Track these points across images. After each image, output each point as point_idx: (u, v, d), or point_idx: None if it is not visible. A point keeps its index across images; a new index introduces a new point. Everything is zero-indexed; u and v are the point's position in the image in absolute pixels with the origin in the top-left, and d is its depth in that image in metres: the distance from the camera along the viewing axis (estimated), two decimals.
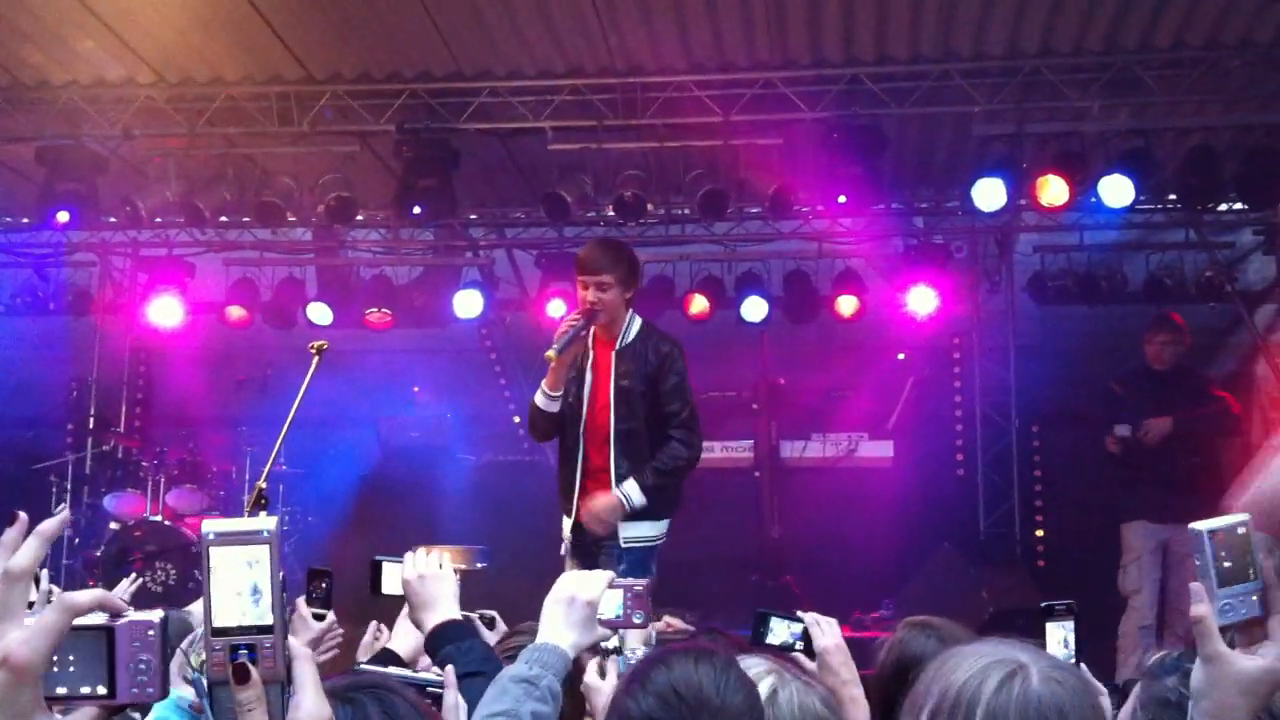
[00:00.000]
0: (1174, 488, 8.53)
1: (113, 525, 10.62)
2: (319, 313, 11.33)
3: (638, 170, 10.04)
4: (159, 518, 10.54)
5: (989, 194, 9.32)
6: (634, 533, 6.13)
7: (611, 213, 10.39)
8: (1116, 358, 9.94)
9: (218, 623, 1.55)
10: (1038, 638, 3.19)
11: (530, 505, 11.31)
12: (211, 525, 1.58)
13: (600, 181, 10.17)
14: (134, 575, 6.09)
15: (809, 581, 11.07)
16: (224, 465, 11.64)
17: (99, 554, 10.43)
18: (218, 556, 1.56)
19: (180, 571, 10.13)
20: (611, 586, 2.89)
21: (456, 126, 9.52)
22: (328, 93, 9.45)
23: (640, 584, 3.03)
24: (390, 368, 12.14)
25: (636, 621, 3.00)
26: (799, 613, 3.38)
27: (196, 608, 4.01)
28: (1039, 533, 11.54)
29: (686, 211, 10.73)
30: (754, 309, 11.10)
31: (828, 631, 3.41)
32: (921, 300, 10.73)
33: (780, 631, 3.40)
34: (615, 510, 6.00)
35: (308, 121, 9.53)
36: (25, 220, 11.24)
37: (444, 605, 3.14)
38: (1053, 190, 9.16)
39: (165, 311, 11.41)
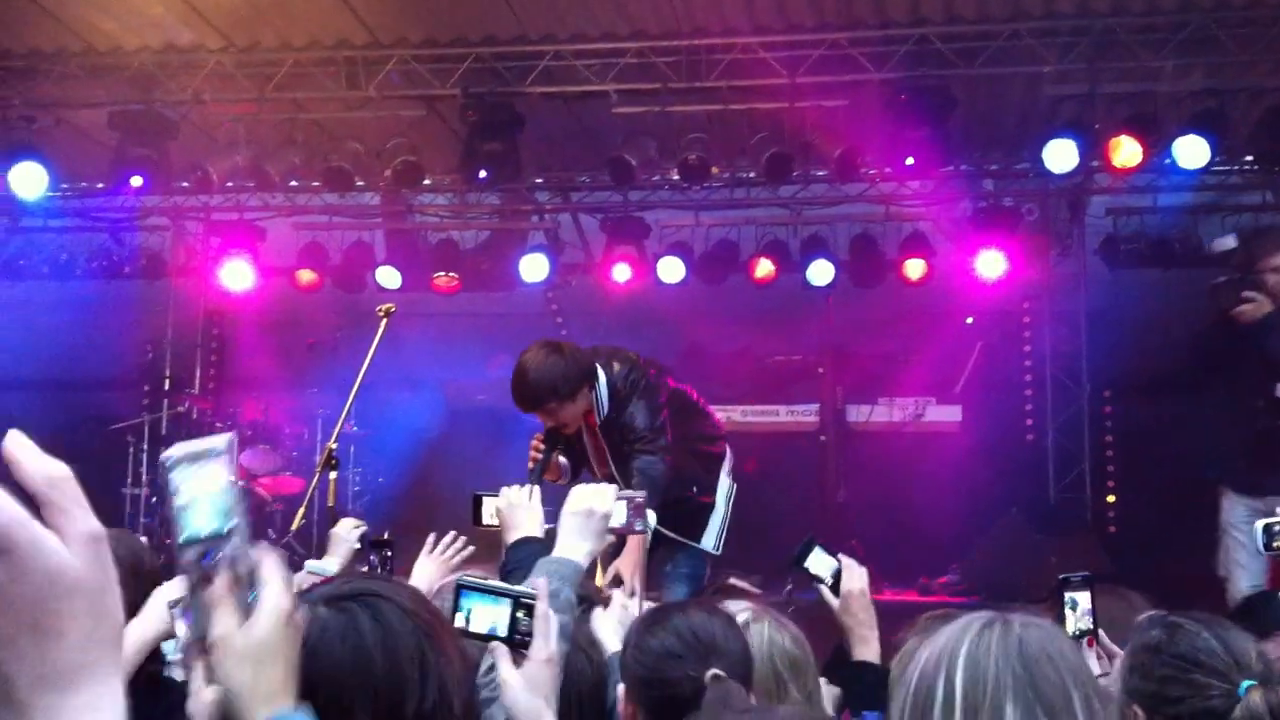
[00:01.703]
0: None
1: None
2: (387, 276, 11.44)
3: (702, 133, 9.98)
4: (242, 482, 10.72)
5: (1060, 155, 9.17)
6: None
7: (676, 176, 10.36)
8: (1190, 323, 9.75)
9: (186, 534, 1.64)
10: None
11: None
12: (171, 450, 1.67)
13: (664, 145, 10.14)
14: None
15: (874, 546, 10.97)
16: (295, 427, 11.83)
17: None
18: (179, 474, 1.65)
19: (254, 530, 10.24)
20: (617, 498, 3.21)
21: (521, 90, 9.54)
22: (394, 57, 9.51)
23: (640, 495, 3.41)
24: (457, 331, 12.22)
25: (638, 528, 3.40)
26: (839, 555, 3.59)
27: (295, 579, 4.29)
28: (1110, 499, 11.40)
29: (751, 175, 10.68)
30: (820, 273, 11.02)
31: (856, 577, 3.63)
32: (991, 264, 10.60)
33: (818, 562, 3.59)
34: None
35: (374, 86, 9.60)
36: (99, 185, 11.42)
37: (525, 528, 3.40)
38: (1126, 152, 9.00)
39: (237, 275, 11.56)
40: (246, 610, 1.67)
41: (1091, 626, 3.03)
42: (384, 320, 6.58)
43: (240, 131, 10.27)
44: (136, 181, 10.09)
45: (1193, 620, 2.61)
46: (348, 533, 4.65)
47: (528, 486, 3.53)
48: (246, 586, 1.68)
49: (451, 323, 12.19)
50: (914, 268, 11.02)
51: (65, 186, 11.38)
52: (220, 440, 1.69)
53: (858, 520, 11.41)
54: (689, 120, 9.93)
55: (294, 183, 11.07)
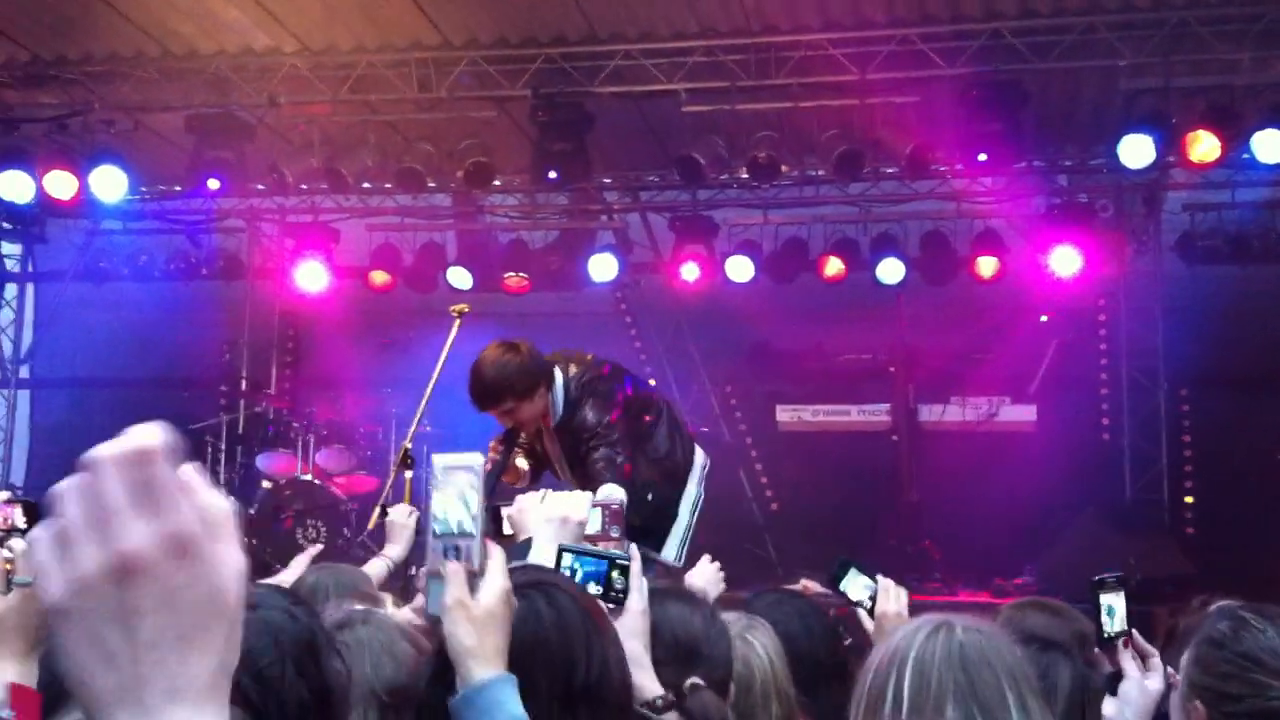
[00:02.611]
0: None
1: (265, 484, 10.98)
2: (459, 277, 11.54)
3: (771, 131, 9.96)
4: (309, 476, 10.85)
5: (1136, 150, 9.04)
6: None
7: (745, 174, 10.34)
8: (1269, 320, 9.58)
9: (438, 529, 2.10)
10: (1165, 604, 3.22)
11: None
12: (440, 459, 2.14)
13: (733, 143, 10.13)
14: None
15: (948, 547, 10.95)
16: (370, 426, 11.95)
17: (252, 512, 10.79)
18: (443, 480, 2.10)
19: (330, 528, 10.40)
20: (593, 505, 3.25)
21: (590, 90, 9.58)
22: (465, 59, 9.59)
23: (615, 502, 3.45)
24: (527, 331, 12.25)
25: (614, 535, 3.38)
26: (878, 576, 3.44)
27: (369, 568, 4.47)
28: (1188, 499, 11.21)
29: (821, 172, 10.65)
30: (890, 271, 10.96)
31: (893, 599, 3.46)
32: (1065, 261, 10.48)
33: (855, 584, 3.47)
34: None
35: (445, 87, 9.69)
36: (177, 188, 11.64)
37: (530, 529, 3.41)
38: (1203, 146, 8.85)
39: (312, 276, 11.72)
40: (472, 588, 2.03)
41: (1126, 628, 3.00)
42: (457, 320, 6.64)
43: (315, 134, 10.43)
44: (214, 184, 10.29)
45: (1261, 616, 2.57)
46: (405, 519, 4.76)
47: (541, 490, 3.52)
48: (476, 575, 2.05)
49: (522, 323, 12.19)
50: (986, 265, 10.92)
51: (144, 189, 11.62)
52: (477, 458, 2.16)
53: (930, 521, 11.33)
54: (758, 118, 9.91)
55: (367, 184, 11.22)
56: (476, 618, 2.01)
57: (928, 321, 11.81)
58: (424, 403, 6.52)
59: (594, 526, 3.26)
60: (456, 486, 2.10)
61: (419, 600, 3.28)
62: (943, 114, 9.33)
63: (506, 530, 3.75)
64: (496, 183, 10.95)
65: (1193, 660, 2.62)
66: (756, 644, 2.85)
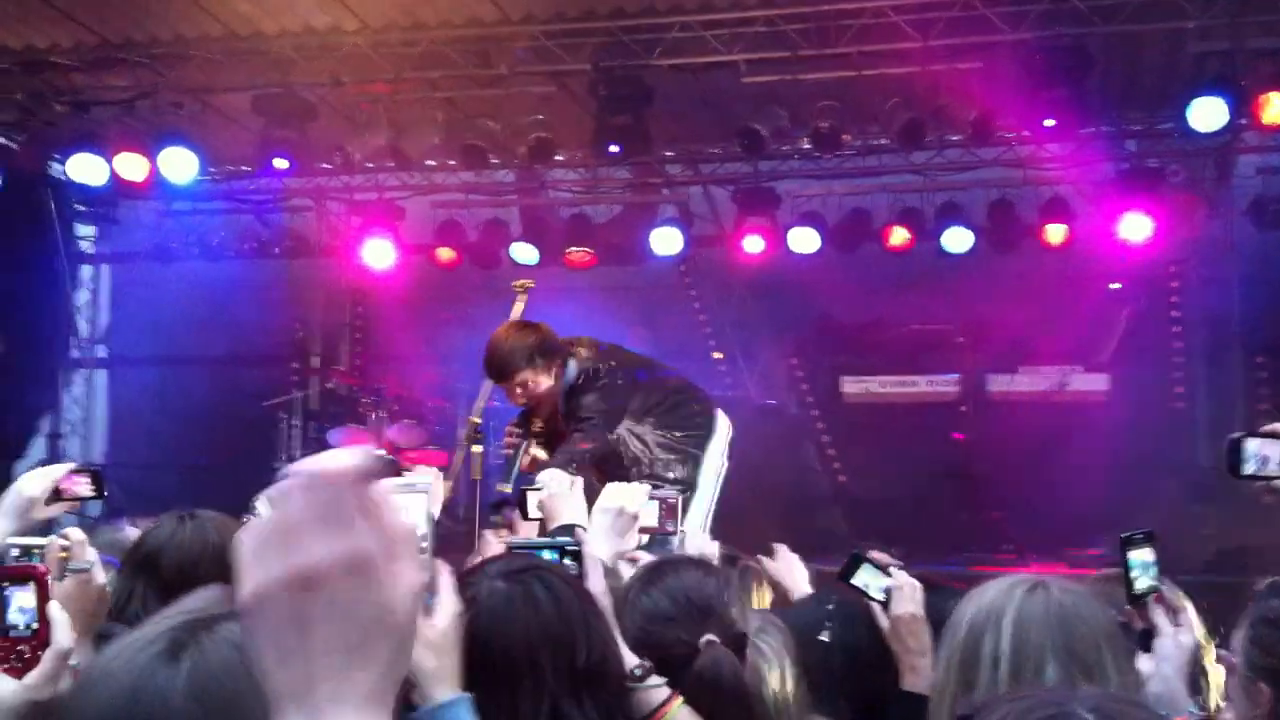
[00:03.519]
0: None
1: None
2: (523, 252, 11.60)
3: (833, 100, 9.87)
4: (381, 451, 10.99)
5: (1206, 114, 8.86)
6: None
7: (807, 145, 10.27)
8: None
9: None
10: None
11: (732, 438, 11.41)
12: (389, 482, 2.03)
13: (795, 113, 10.06)
14: None
15: (1018, 518, 10.84)
16: (438, 401, 12.08)
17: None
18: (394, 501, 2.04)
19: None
20: (650, 498, 3.27)
21: (650, 63, 9.56)
22: (524, 34, 9.60)
23: (672, 495, 3.45)
24: (591, 305, 12.32)
25: (669, 529, 3.43)
26: (892, 570, 3.22)
27: None
28: None
29: (884, 141, 10.56)
30: (956, 240, 10.86)
31: (907, 599, 3.18)
32: (1135, 227, 10.29)
33: (868, 579, 3.25)
34: None
35: (506, 63, 9.71)
36: (245, 168, 11.80)
37: (566, 518, 3.43)
38: (1275, 108, 8.65)
39: (378, 253, 11.83)
40: (426, 610, 2.04)
41: (1156, 584, 2.96)
42: (522, 295, 6.70)
43: (379, 112, 10.51)
44: (281, 164, 10.42)
45: None
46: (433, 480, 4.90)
47: (570, 477, 3.59)
48: (427, 592, 2.05)
49: (585, 297, 12.28)
50: (1055, 233, 10.77)
51: (213, 170, 11.79)
52: (426, 478, 2.29)
53: (1000, 492, 11.21)
54: (819, 88, 9.83)
55: (431, 162, 11.31)
56: (433, 641, 2.04)
57: (996, 290, 11.66)
58: (489, 379, 6.59)
59: (649, 519, 3.28)
60: (404, 507, 2.10)
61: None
62: (1007, 80, 9.18)
63: (532, 514, 3.82)
64: (559, 158, 10.97)
65: (1250, 641, 2.58)
66: (766, 648, 2.79)
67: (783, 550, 4.17)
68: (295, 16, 9.58)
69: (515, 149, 10.57)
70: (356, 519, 1.07)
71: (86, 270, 13.62)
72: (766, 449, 11.75)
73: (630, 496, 3.13)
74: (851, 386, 12.16)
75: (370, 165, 11.32)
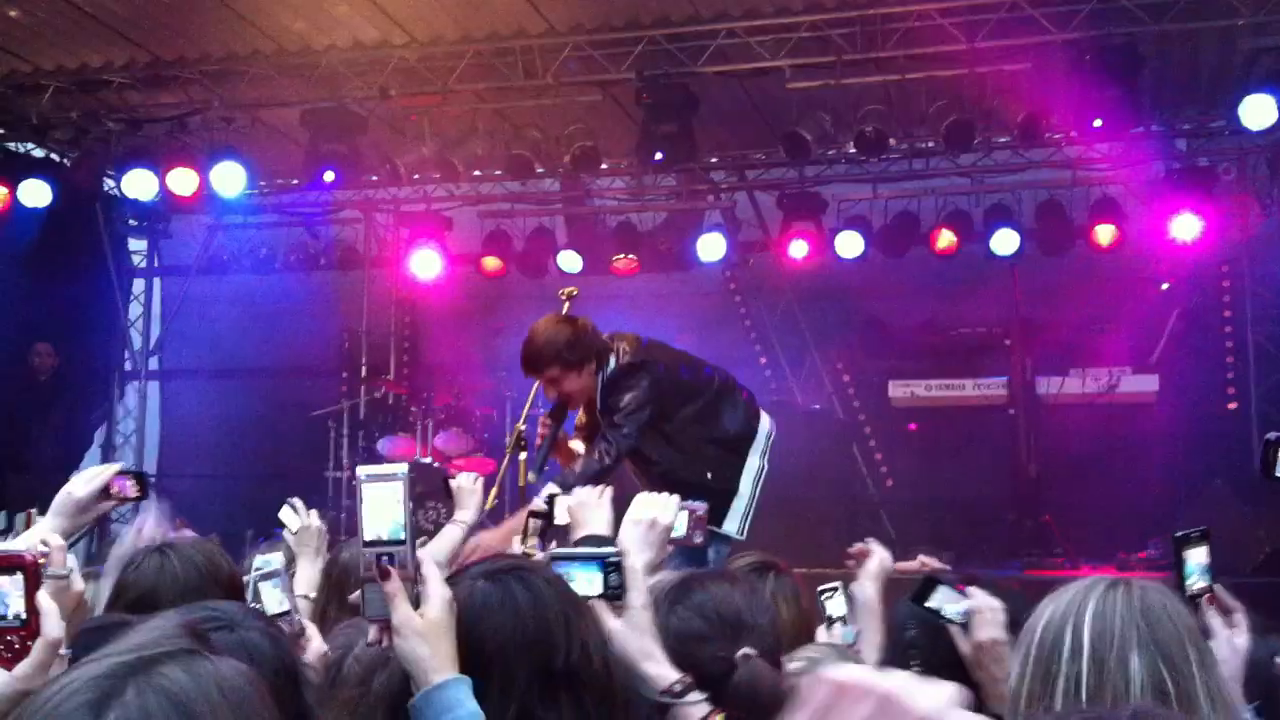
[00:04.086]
0: None
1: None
2: (569, 260, 11.66)
3: (879, 104, 9.88)
4: (428, 459, 11.06)
5: (1258, 111, 8.78)
6: None
7: (852, 149, 10.26)
8: None
9: (367, 537, 2.17)
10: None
11: (778, 444, 11.37)
12: (362, 469, 2.19)
13: (840, 118, 10.06)
14: None
15: (1069, 521, 10.78)
16: (485, 409, 12.13)
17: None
18: (368, 490, 2.18)
19: (449, 509, 10.57)
20: (679, 509, 3.19)
21: (695, 70, 9.57)
22: (569, 44, 9.65)
23: (700, 507, 3.33)
24: (637, 313, 12.35)
25: (697, 540, 3.34)
26: (969, 591, 3.08)
27: (444, 535, 4.76)
28: None
29: (931, 144, 10.54)
30: (1005, 242, 10.81)
31: (989, 623, 3.00)
32: (1186, 227, 10.21)
33: (943, 602, 3.10)
34: None
35: (551, 73, 9.76)
36: (295, 181, 11.93)
37: (593, 526, 3.38)
38: None
39: (426, 264, 11.91)
40: (415, 600, 2.10)
41: (1209, 584, 2.93)
42: (567, 304, 6.73)
43: (425, 124, 10.60)
44: (329, 177, 10.52)
45: None
46: (472, 484, 4.92)
47: (600, 486, 3.51)
48: (414, 582, 2.12)
49: (632, 304, 12.32)
50: (1104, 233, 10.70)
51: (263, 184, 11.94)
52: (401, 467, 2.22)
53: (1050, 495, 11.15)
54: (865, 92, 9.83)
55: (477, 172, 11.39)
56: (424, 630, 2.06)
57: (1045, 292, 11.60)
58: (536, 386, 6.63)
59: (679, 531, 3.22)
60: (381, 496, 2.18)
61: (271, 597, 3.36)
62: (1055, 80, 9.13)
63: (559, 520, 3.80)
64: (604, 166, 11.03)
65: None
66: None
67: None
68: (344, 32, 9.68)
69: (561, 158, 10.65)
70: None
71: (139, 284, 13.78)
72: (813, 454, 11.72)
73: (662, 507, 3.07)
74: (899, 391, 12.11)
75: (417, 176, 11.42)
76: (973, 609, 3.00)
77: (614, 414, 5.71)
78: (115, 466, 3.37)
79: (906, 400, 12.11)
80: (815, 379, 12.60)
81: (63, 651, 2.21)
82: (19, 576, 1.99)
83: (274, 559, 3.38)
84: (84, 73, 10.31)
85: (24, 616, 1.98)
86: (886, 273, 11.37)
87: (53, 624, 2.00)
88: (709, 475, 5.84)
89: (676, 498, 3.16)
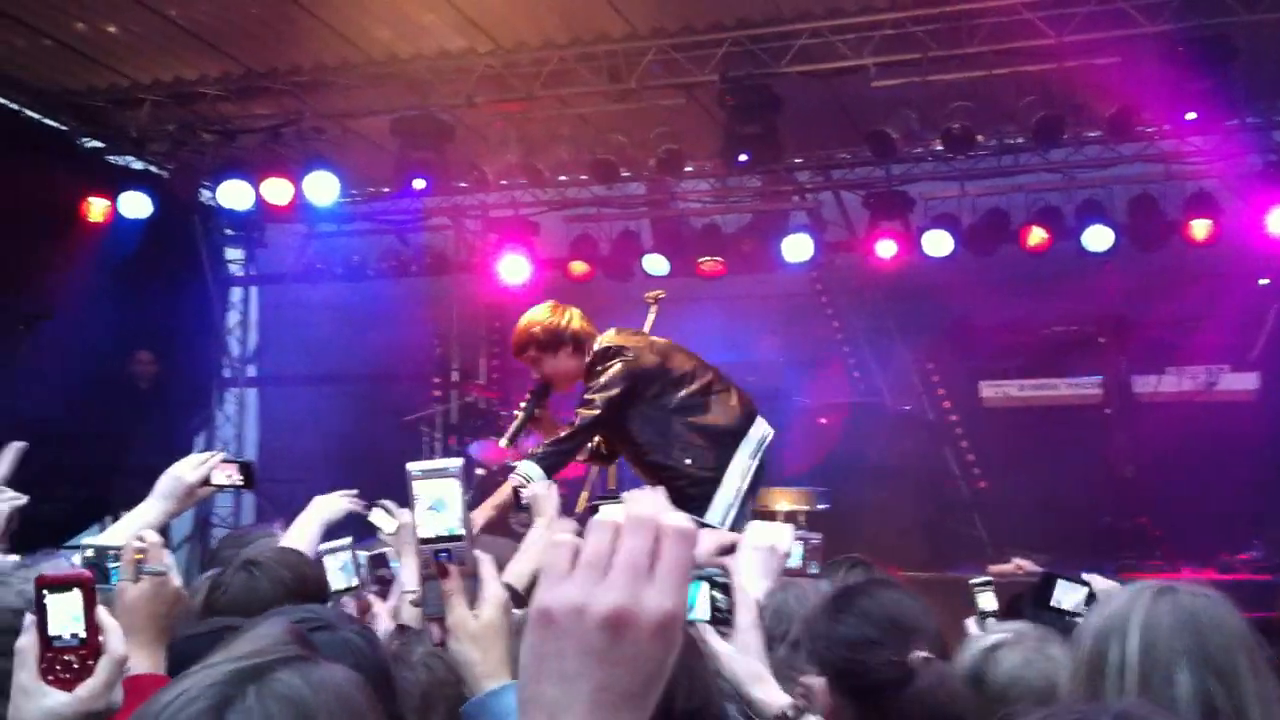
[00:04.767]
0: None
1: (479, 470, 11.36)
2: (654, 263, 11.69)
3: (965, 101, 9.75)
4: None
5: None
6: None
7: (939, 146, 10.17)
8: None
9: (423, 534, 2.09)
10: None
11: (866, 445, 11.32)
12: (413, 465, 2.12)
13: (926, 115, 9.97)
14: None
15: (1166, 522, 10.57)
16: (572, 413, 12.20)
17: (468, 498, 11.17)
18: (421, 487, 2.10)
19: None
20: (795, 538, 3.10)
21: (778, 71, 9.55)
22: (652, 48, 9.69)
23: (816, 537, 3.27)
24: (724, 315, 12.36)
25: (812, 572, 3.23)
26: (1086, 577, 3.16)
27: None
28: None
29: (1020, 140, 10.40)
30: (1097, 238, 10.63)
31: None
32: None
33: (1066, 595, 3.17)
34: None
35: (635, 77, 9.81)
36: (385, 189, 12.12)
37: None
38: None
39: (514, 268, 12.02)
40: (472, 597, 2.07)
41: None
42: (654, 307, 6.79)
43: (511, 130, 10.71)
44: (419, 184, 10.68)
45: None
46: (545, 491, 4.96)
47: (656, 490, 3.44)
48: (472, 579, 2.09)
49: (718, 306, 12.33)
50: (1200, 228, 10.47)
51: (354, 192, 12.13)
52: (455, 461, 2.16)
53: (1147, 496, 10.94)
54: (951, 89, 9.71)
55: (563, 177, 11.48)
56: (477, 633, 2.04)
57: (1139, 289, 11.39)
58: None
59: (795, 560, 3.16)
60: (435, 491, 2.12)
61: (392, 601, 3.35)
62: (1147, 73, 8.97)
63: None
64: (688, 169, 11.05)
65: None
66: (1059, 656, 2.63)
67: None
68: (431, 40, 9.81)
69: (645, 161, 10.70)
70: (676, 577, 1.10)
71: (236, 292, 14.07)
72: (903, 455, 11.66)
73: (779, 535, 3.01)
74: (990, 391, 11.98)
75: (504, 182, 11.54)
76: (1097, 592, 3.05)
77: (586, 393, 5.98)
78: (220, 454, 3.46)
79: (999, 400, 11.97)
80: (904, 380, 12.50)
81: (136, 669, 2.24)
82: (76, 594, 1.92)
83: (345, 541, 3.44)
84: (180, 86, 10.58)
85: (83, 635, 1.91)
86: (975, 271, 11.24)
87: (116, 641, 1.95)
88: (687, 461, 6.01)
89: (790, 527, 3.11)
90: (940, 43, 9.15)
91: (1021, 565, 10.09)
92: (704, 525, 5.54)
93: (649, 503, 2.62)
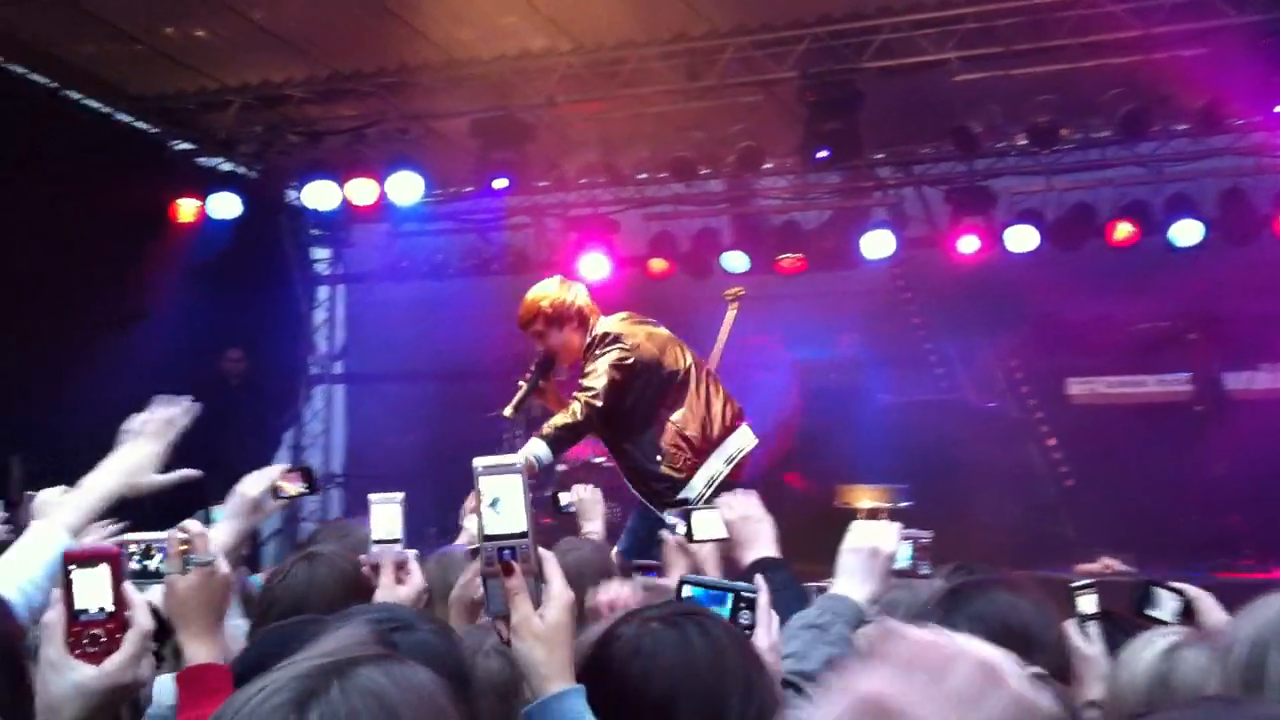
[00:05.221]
0: None
1: (560, 467, 11.44)
2: (734, 260, 11.68)
3: (1050, 94, 9.64)
4: (600, 459, 11.21)
5: None
6: None
7: (1023, 141, 10.05)
8: None
9: (488, 531, 2.08)
10: None
11: (949, 443, 11.21)
12: (478, 461, 2.10)
13: (1010, 109, 9.86)
14: None
15: (1258, 521, 10.34)
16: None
17: (547, 495, 11.24)
18: (486, 483, 2.09)
19: (623, 509, 10.71)
20: (902, 538, 2.93)
21: (859, 66, 9.50)
22: (731, 45, 9.69)
23: (925, 535, 3.13)
24: (804, 311, 12.32)
25: (923, 572, 3.10)
26: (1177, 586, 3.02)
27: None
28: None
29: (1106, 134, 10.24)
30: (1186, 232, 10.46)
31: (1210, 606, 2.96)
32: None
33: (1162, 604, 3.06)
34: None
35: (714, 75, 9.81)
36: (467, 189, 12.25)
37: (763, 544, 3.22)
38: None
39: (594, 266, 12.06)
40: (536, 596, 2.04)
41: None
42: (733, 304, 6.81)
43: (591, 129, 10.78)
44: (500, 183, 10.79)
45: None
46: (593, 495, 5.19)
47: (751, 494, 3.36)
48: (536, 577, 2.06)
49: (798, 304, 12.28)
50: None
51: (437, 192, 12.26)
52: (519, 458, 2.18)
53: (1239, 495, 10.71)
54: (1035, 82, 9.61)
55: (642, 175, 11.51)
56: (543, 633, 2.00)
57: (1230, 284, 11.14)
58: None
59: (903, 561, 3.02)
60: (498, 487, 2.10)
61: (456, 590, 3.34)
62: (1235, 65, 8.79)
63: (698, 537, 3.55)
64: (767, 165, 11.03)
65: None
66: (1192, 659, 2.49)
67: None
68: (511, 41, 9.90)
69: (724, 158, 10.69)
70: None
71: (323, 291, 14.31)
72: (987, 453, 11.53)
73: (883, 535, 2.86)
74: (1078, 388, 11.81)
75: (584, 181, 11.60)
76: (1193, 599, 2.93)
77: (584, 376, 6.13)
78: (281, 466, 3.52)
79: (1087, 397, 11.80)
80: (987, 376, 12.37)
81: (197, 658, 2.29)
82: (103, 569, 1.94)
83: (398, 495, 3.45)
84: (266, 88, 10.78)
85: (109, 610, 1.93)
86: (1060, 266, 11.09)
87: (142, 615, 1.97)
88: (658, 458, 6.12)
89: (897, 525, 2.95)
90: (1024, 36, 9.05)
91: (1110, 565, 9.96)
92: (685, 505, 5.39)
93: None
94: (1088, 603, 3.42)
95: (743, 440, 6.29)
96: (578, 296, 6.30)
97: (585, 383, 6.07)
